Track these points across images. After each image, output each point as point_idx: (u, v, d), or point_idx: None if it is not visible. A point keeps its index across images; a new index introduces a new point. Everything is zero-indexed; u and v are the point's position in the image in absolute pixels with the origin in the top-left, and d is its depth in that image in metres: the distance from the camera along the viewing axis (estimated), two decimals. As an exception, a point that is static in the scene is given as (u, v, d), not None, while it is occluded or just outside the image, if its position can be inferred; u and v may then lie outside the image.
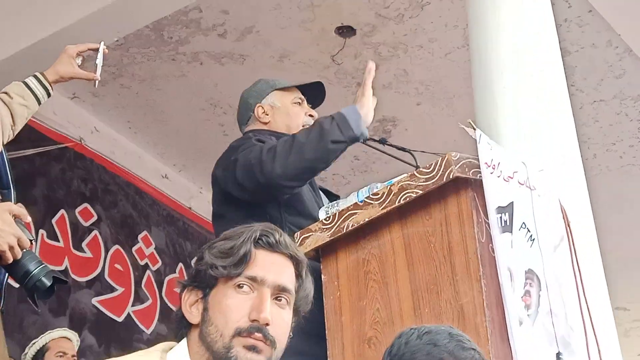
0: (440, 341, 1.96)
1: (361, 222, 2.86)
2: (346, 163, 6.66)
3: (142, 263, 6.40)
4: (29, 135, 5.39)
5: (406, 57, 5.84)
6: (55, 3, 4.99)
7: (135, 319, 6.17)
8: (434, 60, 5.91)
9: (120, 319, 6.05)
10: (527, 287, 2.71)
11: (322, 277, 2.92)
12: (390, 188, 2.82)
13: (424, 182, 2.75)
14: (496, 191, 2.73)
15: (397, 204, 2.79)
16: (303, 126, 3.39)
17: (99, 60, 3.28)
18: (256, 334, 1.90)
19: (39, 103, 3.18)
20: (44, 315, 5.46)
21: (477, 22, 3.59)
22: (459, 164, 2.72)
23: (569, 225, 2.99)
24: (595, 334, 2.87)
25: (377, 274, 2.83)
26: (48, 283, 2.66)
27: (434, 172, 2.74)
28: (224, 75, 5.91)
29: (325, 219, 2.94)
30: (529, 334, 2.65)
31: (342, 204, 2.98)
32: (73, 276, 5.79)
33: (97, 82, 3.28)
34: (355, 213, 2.87)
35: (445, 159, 2.72)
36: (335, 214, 2.92)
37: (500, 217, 2.71)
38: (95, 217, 6.14)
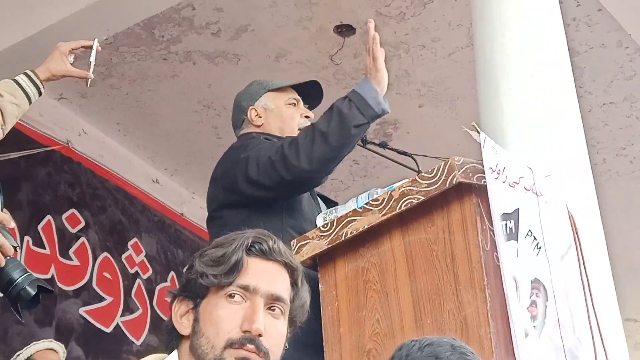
0: (442, 353, 1.96)
1: (360, 230, 2.86)
2: (345, 168, 6.66)
3: (132, 271, 6.39)
4: (14, 137, 5.36)
5: (408, 57, 5.85)
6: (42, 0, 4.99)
7: (124, 330, 6.16)
8: (437, 61, 5.92)
9: (108, 330, 6.04)
10: (533, 297, 2.70)
11: (320, 286, 2.92)
12: (390, 194, 2.82)
13: (426, 187, 2.75)
14: (501, 197, 2.73)
15: (398, 211, 2.79)
16: (299, 129, 3.39)
17: (93, 58, 3.29)
18: (248, 345, 1.90)
19: (30, 102, 3.18)
20: (29, 325, 5.45)
21: (481, 21, 3.59)
22: (463, 169, 2.72)
23: (577, 233, 2.99)
24: (604, 347, 2.87)
25: (377, 283, 2.83)
26: (32, 292, 2.65)
27: (437, 177, 2.74)
28: (217, 75, 5.91)
29: (323, 226, 2.94)
30: (535, 346, 2.65)
31: (341, 210, 2.99)
32: (59, 285, 5.77)
33: (89, 80, 3.29)
34: (355, 220, 2.87)
35: (448, 163, 2.72)
36: (334, 220, 2.92)
37: (506, 225, 2.71)
38: (83, 224, 6.13)
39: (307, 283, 2.06)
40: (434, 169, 2.75)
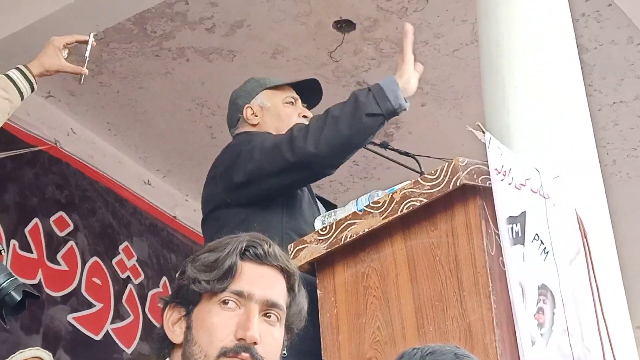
0: (445, 363, 1.96)
1: (360, 233, 2.86)
2: (344, 169, 6.64)
3: (123, 276, 6.39)
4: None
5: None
6: (29, -6, 5.00)
7: (114, 338, 6.15)
8: (440, 58, 5.91)
9: (98, 338, 6.03)
10: (540, 304, 2.70)
11: (318, 292, 2.92)
12: (392, 196, 2.82)
13: (428, 189, 2.75)
14: (507, 200, 2.73)
15: (399, 214, 2.79)
16: (298, 129, 3.39)
17: (88, 53, 3.29)
18: (243, 353, 1.89)
19: (22, 97, 3.18)
20: (15, 333, 5.44)
21: (487, 16, 3.59)
22: (467, 170, 2.72)
23: (585, 237, 2.99)
24: (613, 355, 2.87)
25: (377, 289, 2.83)
26: (18, 298, 2.64)
27: (440, 179, 2.74)
28: (212, 72, 5.91)
29: (321, 230, 2.94)
30: (542, 355, 2.65)
31: (340, 213, 2.98)
32: (47, 290, 5.77)
33: (82, 76, 3.29)
34: (354, 223, 2.87)
35: (452, 164, 2.72)
36: (333, 224, 2.92)
37: (512, 228, 2.71)
38: (71, 227, 6.13)
39: (304, 288, 2.06)
40: (437, 170, 2.76)
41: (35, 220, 5.90)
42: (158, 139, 6.55)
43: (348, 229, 2.87)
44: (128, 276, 6.44)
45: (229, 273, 1.94)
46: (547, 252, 2.80)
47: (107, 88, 6.03)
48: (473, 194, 2.74)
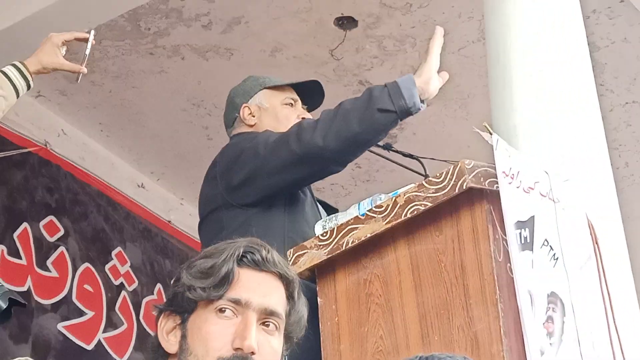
0: (450, 373, 1.96)
1: (362, 238, 2.86)
2: (346, 172, 6.61)
3: (116, 283, 6.39)
4: (-13, 138, 5.39)
5: (414, 52, 5.85)
6: (17, -11, 5.00)
7: (106, 347, 6.15)
8: (446, 56, 5.84)
9: (89, 347, 6.03)
10: (550, 313, 2.70)
11: (319, 299, 2.92)
12: (395, 200, 2.82)
13: (433, 193, 2.75)
14: (515, 204, 2.73)
15: (403, 218, 2.79)
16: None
17: (88, 51, 3.29)
18: (240, 364, 1.90)
19: (18, 95, 3.19)
20: (3, 342, 5.44)
21: (494, 13, 3.59)
22: (473, 173, 2.72)
23: (597, 243, 2.99)
24: (626, 365, 2.87)
25: (380, 296, 2.83)
26: (4, 305, 2.65)
27: (445, 182, 2.74)
28: (208, 71, 5.91)
29: (322, 235, 2.94)
30: (552, 366, 2.65)
31: (341, 217, 2.98)
32: (36, 298, 5.77)
33: (80, 75, 3.29)
34: (356, 228, 2.87)
35: (458, 167, 2.73)
36: (334, 229, 2.92)
37: (520, 233, 2.71)
38: (62, 232, 6.13)
39: (304, 296, 2.06)
40: (443, 173, 2.76)
41: (25, 224, 5.90)
42: (152, 140, 6.55)
43: (350, 234, 2.87)
44: (121, 283, 6.44)
45: (226, 280, 1.94)
46: (557, 258, 2.80)
47: (99, 87, 6.03)
48: (480, 197, 2.74)
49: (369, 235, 2.85)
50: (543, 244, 2.78)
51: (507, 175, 2.74)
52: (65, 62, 3.26)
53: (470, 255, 2.71)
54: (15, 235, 5.81)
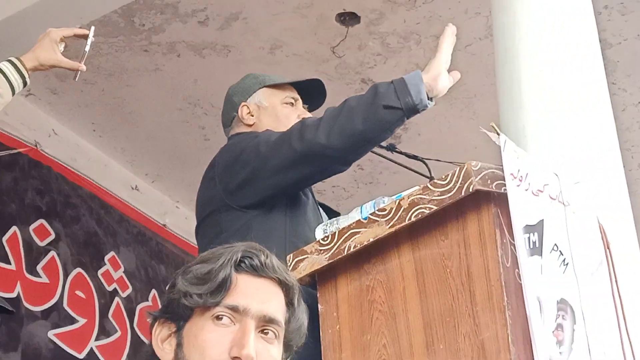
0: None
1: (365, 243, 2.86)
2: (348, 173, 6.63)
3: (109, 289, 6.39)
4: (-24, 139, 5.39)
5: (419, 50, 5.85)
6: (5, -17, 5.00)
7: (99, 356, 6.15)
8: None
9: (81, 356, 6.03)
10: (560, 320, 2.70)
11: (319, 307, 2.92)
12: (399, 203, 2.82)
13: (438, 196, 2.76)
14: (524, 207, 2.73)
15: (407, 222, 2.79)
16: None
17: (88, 47, 3.30)
18: (238, 373, 1.90)
19: (14, 92, 3.19)
20: (-9, 350, 5.45)
21: (502, 8, 3.59)
22: (480, 175, 2.72)
23: (608, 247, 2.99)
24: (639, 376, 2.87)
25: (383, 303, 2.83)
26: (-10, 313, 2.65)
27: (451, 185, 2.74)
28: (205, 69, 5.92)
29: (323, 239, 2.94)
30: (562, 375, 2.65)
31: (343, 221, 2.99)
32: (26, 305, 5.76)
33: (79, 73, 3.29)
34: (358, 232, 2.87)
35: (464, 169, 2.73)
36: (335, 233, 2.92)
37: (529, 238, 2.71)
38: (52, 236, 6.13)
39: (304, 303, 2.06)
40: (448, 175, 2.76)
41: (14, 228, 5.89)
42: (147, 141, 6.56)
43: (352, 239, 2.88)
44: (115, 289, 6.44)
45: (223, 286, 1.94)
46: (567, 264, 2.80)
47: (91, 86, 6.03)
48: (487, 200, 2.75)
49: (371, 240, 2.85)
50: (552, 249, 2.78)
51: (515, 178, 2.75)
52: (64, 59, 3.27)
53: (477, 261, 2.71)
54: (4, 239, 5.81)
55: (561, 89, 3.36)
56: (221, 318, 1.94)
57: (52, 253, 6.08)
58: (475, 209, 2.75)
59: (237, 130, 3.50)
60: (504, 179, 2.74)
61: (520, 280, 2.67)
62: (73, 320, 6.05)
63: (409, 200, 2.80)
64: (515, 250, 2.69)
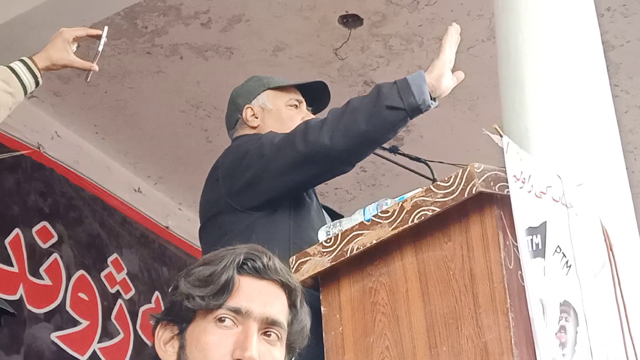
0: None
1: (368, 245, 2.85)
2: (351, 175, 6.64)
3: (112, 291, 6.39)
4: (-22, 141, 5.40)
5: (422, 52, 5.85)
6: (9, -15, 5.01)
7: (102, 358, 6.15)
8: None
9: (84, 358, 6.03)
10: (563, 322, 2.70)
11: (322, 309, 2.92)
12: (402, 205, 2.82)
13: (441, 198, 2.75)
14: (526, 209, 2.73)
15: (410, 224, 2.79)
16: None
17: (101, 48, 3.30)
18: (241, 375, 1.90)
19: (26, 92, 3.18)
20: (-6, 352, 5.45)
21: (505, 10, 3.59)
22: (483, 177, 2.72)
23: (611, 249, 2.98)
24: (642, 378, 2.87)
25: (386, 305, 2.83)
26: (-9, 315, 2.65)
27: (454, 187, 2.74)
28: (207, 71, 5.92)
29: (325, 241, 2.94)
30: (565, 378, 2.65)
31: (346, 223, 2.98)
32: (29, 307, 5.77)
33: (90, 73, 3.29)
34: (361, 234, 2.87)
35: (467, 171, 2.72)
36: (338, 235, 2.92)
37: (531, 240, 2.71)
38: (55, 238, 6.13)
39: (307, 305, 2.06)
40: (451, 177, 2.75)
41: (17, 230, 5.90)
42: (149, 143, 6.56)
43: (354, 241, 2.87)
44: (117, 291, 6.44)
45: (226, 288, 1.94)
46: (570, 266, 2.80)
47: (94, 88, 6.03)
48: (490, 202, 2.74)
49: (374, 242, 2.84)
50: (555, 251, 2.77)
51: (518, 180, 2.74)
52: (76, 59, 3.26)
53: (480, 263, 2.71)
54: (6, 241, 5.81)
55: (563, 92, 3.35)
56: (224, 320, 1.94)
57: (55, 255, 6.08)
58: (478, 211, 2.75)
59: (241, 133, 3.50)
60: (506, 181, 2.74)
61: (523, 282, 2.67)
62: (76, 323, 6.06)
63: (412, 202, 2.80)
64: (518, 252, 2.69)
